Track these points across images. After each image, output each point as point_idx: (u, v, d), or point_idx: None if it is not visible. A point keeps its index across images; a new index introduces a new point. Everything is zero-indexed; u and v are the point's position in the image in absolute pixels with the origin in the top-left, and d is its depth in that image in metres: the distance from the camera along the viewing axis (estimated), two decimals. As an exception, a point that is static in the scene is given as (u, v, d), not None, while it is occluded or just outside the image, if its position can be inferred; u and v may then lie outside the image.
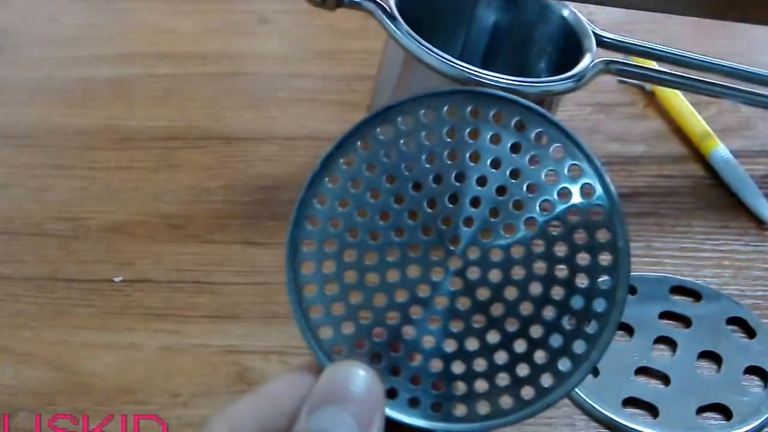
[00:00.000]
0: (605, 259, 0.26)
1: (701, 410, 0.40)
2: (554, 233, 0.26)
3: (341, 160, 0.27)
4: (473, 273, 0.26)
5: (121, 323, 0.45)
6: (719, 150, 0.55)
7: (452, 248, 0.26)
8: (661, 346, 0.43)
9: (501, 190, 0.26)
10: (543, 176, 0.26)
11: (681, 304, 0.46)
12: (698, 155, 0.56)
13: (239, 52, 0.67)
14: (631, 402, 0.41)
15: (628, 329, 0.44)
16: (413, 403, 0.26)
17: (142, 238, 0.50)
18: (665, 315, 0.45)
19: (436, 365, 0.26)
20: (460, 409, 0.26)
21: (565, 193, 0.26)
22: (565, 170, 0.26)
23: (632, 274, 0.46)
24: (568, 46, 0.50)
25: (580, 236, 0.26)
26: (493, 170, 0.26)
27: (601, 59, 0.48)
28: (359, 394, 0.23)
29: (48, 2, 0.74)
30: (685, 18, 0.50)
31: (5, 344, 0.44)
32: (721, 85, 0.52)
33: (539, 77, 0.47)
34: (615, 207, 0.26)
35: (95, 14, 0.72)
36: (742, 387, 0.41)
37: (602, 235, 0.26)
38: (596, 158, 0.26)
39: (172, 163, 0.55)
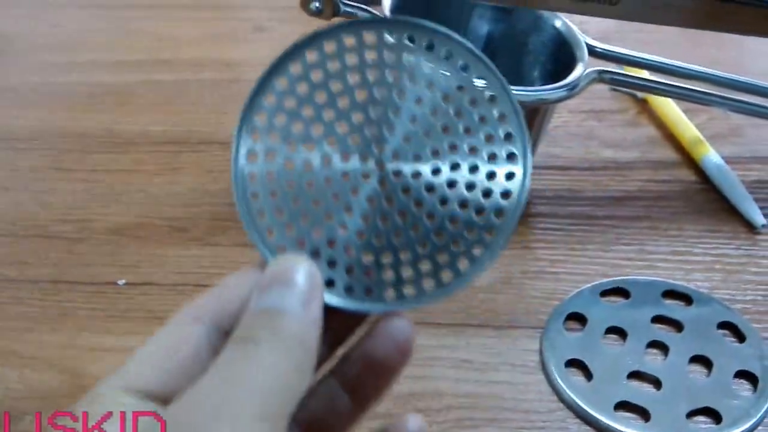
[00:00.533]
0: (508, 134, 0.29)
1: (692, 414, 0.41)
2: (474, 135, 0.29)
3: (291, 66, 0.29)
4: (400, 177, 0.29)
5: (124, 326, 0.46)
6: (711, 156, 0.56)
7: (380, 153, 0.29)
8: (654, 351, 0.44)
9: (434, 110, 0.29)
10: (467, 101, 0.29)
11: (673, 308, 0.46)
12: (690, 161, 0.57)
13: (237, 59, 0.68)
14: (623, 406, 0.42)
15: (622, 333, 0.45)
16: (349, 291, 0.29)
17: (145, 241, 0.51)
18: (657, 319, 0.46)
19: (368, 257, 0.29)
20: (390, 294, 0.29)
21: (483, 118, 0.29)
22: (486, 97, 0.29)
23: (626, 278, 0.47)
24: (561, 55, 0.51)
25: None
26: (428, 91, 0.29)
27: (594, 69, 0.49)
28: (300, 279, 0.26)
29: (49, 8, 0.74)
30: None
31: (9, 347, 0.45)
32: (711, 93, 0.53)
33: (533, 85, 0.48)
34: (519, 119, 0.28)
35: (96, 21, 0.73)
36: (732, 391, 0.42)
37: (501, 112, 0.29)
38: (505, 80, 0.29)
39: (174, 167, 0.56)
